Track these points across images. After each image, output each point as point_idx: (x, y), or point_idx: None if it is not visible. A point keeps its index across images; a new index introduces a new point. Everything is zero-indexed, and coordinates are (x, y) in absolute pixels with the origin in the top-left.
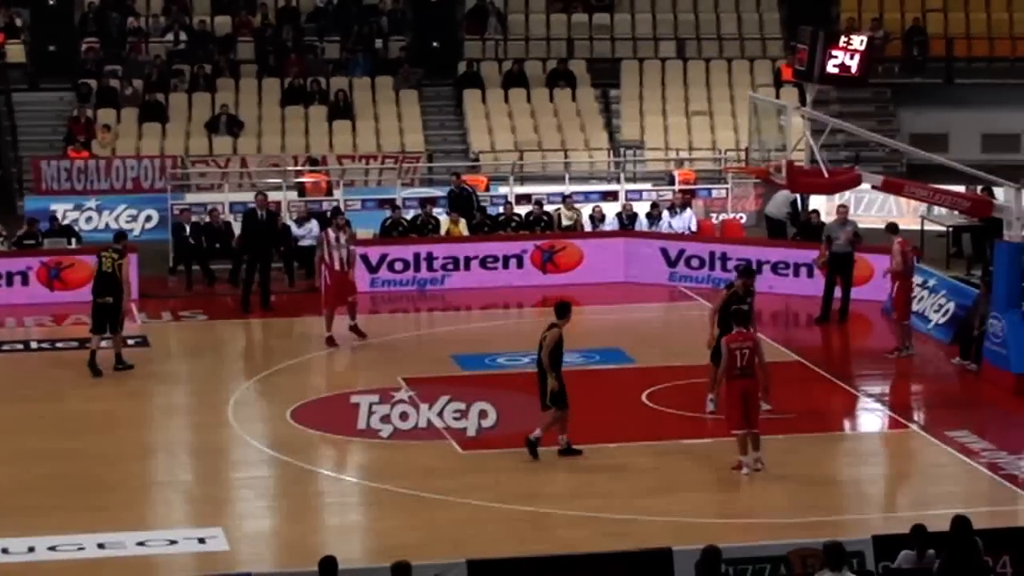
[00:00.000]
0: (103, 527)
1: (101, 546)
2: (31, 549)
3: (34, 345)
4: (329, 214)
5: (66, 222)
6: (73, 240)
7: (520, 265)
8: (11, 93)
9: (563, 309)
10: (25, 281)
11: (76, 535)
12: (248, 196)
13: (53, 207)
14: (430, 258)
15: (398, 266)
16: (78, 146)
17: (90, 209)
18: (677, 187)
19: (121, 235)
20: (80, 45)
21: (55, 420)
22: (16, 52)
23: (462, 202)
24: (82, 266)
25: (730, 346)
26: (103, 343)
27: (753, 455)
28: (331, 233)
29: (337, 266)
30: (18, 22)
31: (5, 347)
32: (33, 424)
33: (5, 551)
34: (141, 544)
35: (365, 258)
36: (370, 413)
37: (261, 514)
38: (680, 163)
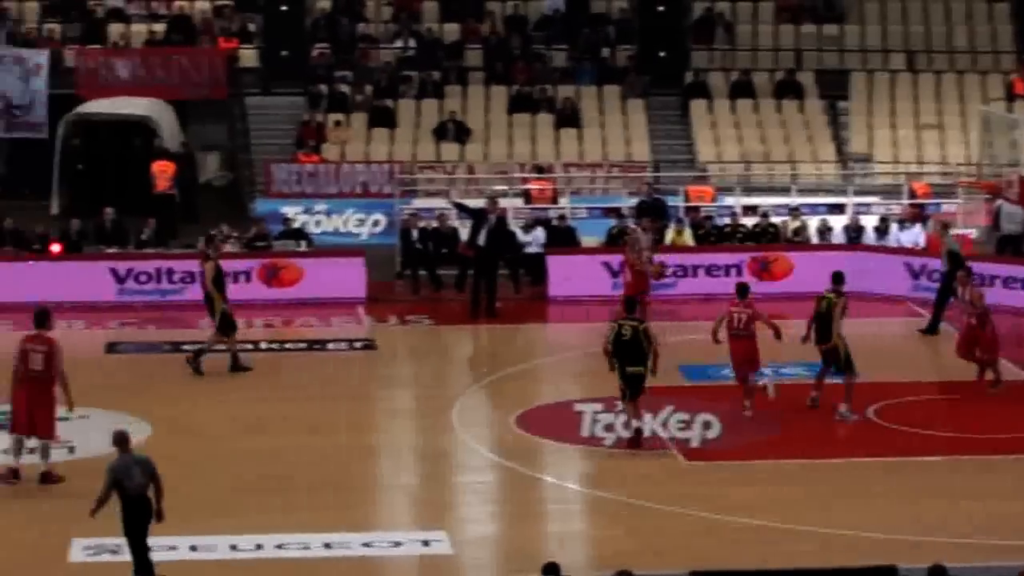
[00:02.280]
0: (330, 527)
1: (327, 545)
2: (259, 547)
3: (263, 346)
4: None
5: (296, 225)
6: (303, 243)
7: (739, 273)
8: (244, 97)
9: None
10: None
11: (303, 534)
12: (474, 202)
13: (284, 210)
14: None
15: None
16: (308, 150)
17: (319, 213)
18: (908, 200)
19: (211, 238)
20: (311, 51)
21: (287, 420)
22: (249, 57)
23: (653, 211)
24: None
25: None
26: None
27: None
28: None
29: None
30: (251, 28)
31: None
32: (269, 423)
33: (234, 547)
34: (366, 545)
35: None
36: (594, 421)
37: (484, 519)
38: (910, 177)
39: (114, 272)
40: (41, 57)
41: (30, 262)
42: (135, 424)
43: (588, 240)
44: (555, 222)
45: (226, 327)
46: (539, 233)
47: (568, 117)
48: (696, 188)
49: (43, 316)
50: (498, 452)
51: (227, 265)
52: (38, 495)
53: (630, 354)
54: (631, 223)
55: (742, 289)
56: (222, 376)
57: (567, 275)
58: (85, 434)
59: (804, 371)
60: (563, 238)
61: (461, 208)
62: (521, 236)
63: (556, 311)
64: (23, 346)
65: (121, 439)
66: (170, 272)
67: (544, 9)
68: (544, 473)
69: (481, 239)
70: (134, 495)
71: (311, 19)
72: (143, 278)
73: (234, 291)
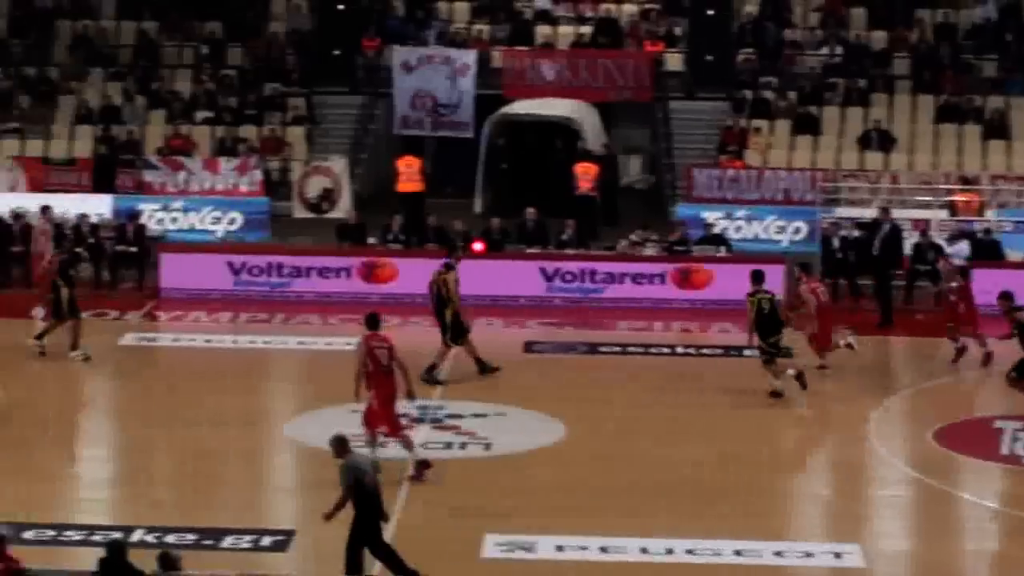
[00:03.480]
0: (740, 534)
1: (738, 553)
2: (670, 551)
3: (680, 350)
4: None
5: (717, 230)
6: (723, 248)
7: None
8: (668, 101)
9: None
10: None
11: (713, 540)
12: (901, 213)
13: (704, 215)
14: None
15: None
16: (731, 156)
17: (740, 219)
18: None
19: (453, 248)
20: (736, 56)
21: (700, 426)
22: (675, 61)
23: None
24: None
25: None
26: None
27: None
28: None
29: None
30: (677, 32)
31: (652, 350)
32: (683, 429)
33: (644, 551)
34: (777, 554)
35: None
36: (1014, 439)
37: (899, 534)
38: None
39: (542, 271)
40: (469, 57)
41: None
42: (549, 423)
43: (1013, 254)
44: (980, 235)
45: (458, 334)
46: (963, 246)
47: (997, 128)
48: None
49: (374, 319)
50: (915, 466)
51: (643, 268)
52: (454, 489)
53: None
54: None
55: None
56: (638, 380)
57: (988, 289)
58: (501, 432)
59: None
60: (988, 251)
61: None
62: (945, 248)
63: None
64: (369, 345)
65: (340, 443)
66: (593, 273)
67: (975, 18)
68: (962, 490)
69: (875, 248)
70: (371, 491)
71: (737, 24)
72: (568, 277)
73: (647, 291)
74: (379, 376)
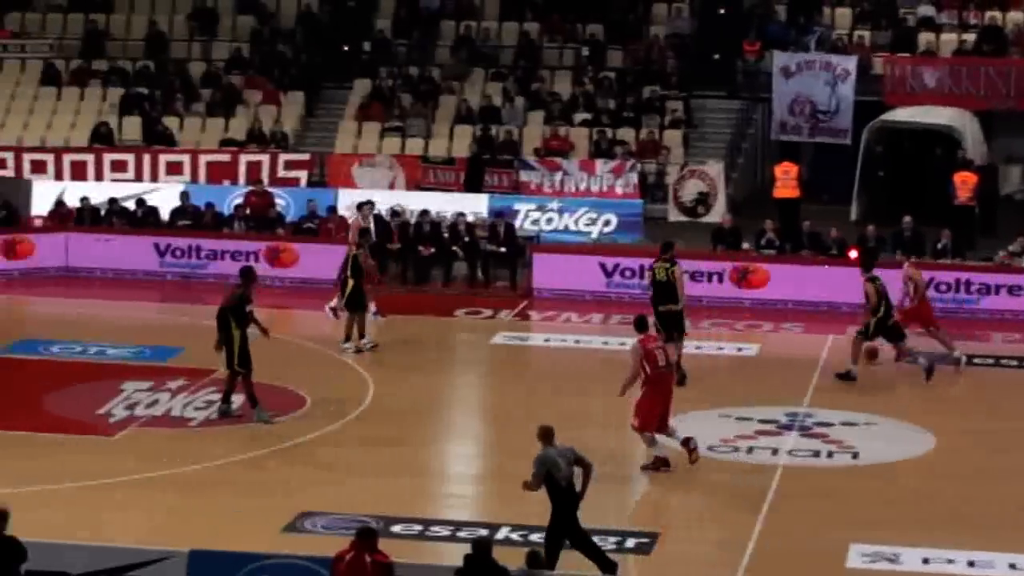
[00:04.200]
0: None
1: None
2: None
3: (1003, 362)
4: None
5: None
6: None
7: None
8: None
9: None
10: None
11: None
12: None
13: None
14: None
15: None
16: None
17: None
18: None
19: (668, 245)
20: None
21: None
22: None
23: None
24: None
25: None
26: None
27: None
28: None
29: None
30: None
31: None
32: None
33: (1013, 567)
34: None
35: None
36: None
37: None
38: None
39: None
40: (850, 63)
41: (824, 266)
42: (919, 434)
43: None
44: None
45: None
46: None
47: None
48: None
49: (642, 321)
50: None
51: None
52: (820, 498)
53: None
54: None
55: None
56: (1012, 393)
57: None
58: (869, 441)
59: None
60: None
61: None
62: None
63: None
64: (646, 347)
65: (546, 433)
66: (968, 283)
67: None
68: None
69: None
70: (564, 485)
71: None
72: (943, 288)
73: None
74: (656, 375)
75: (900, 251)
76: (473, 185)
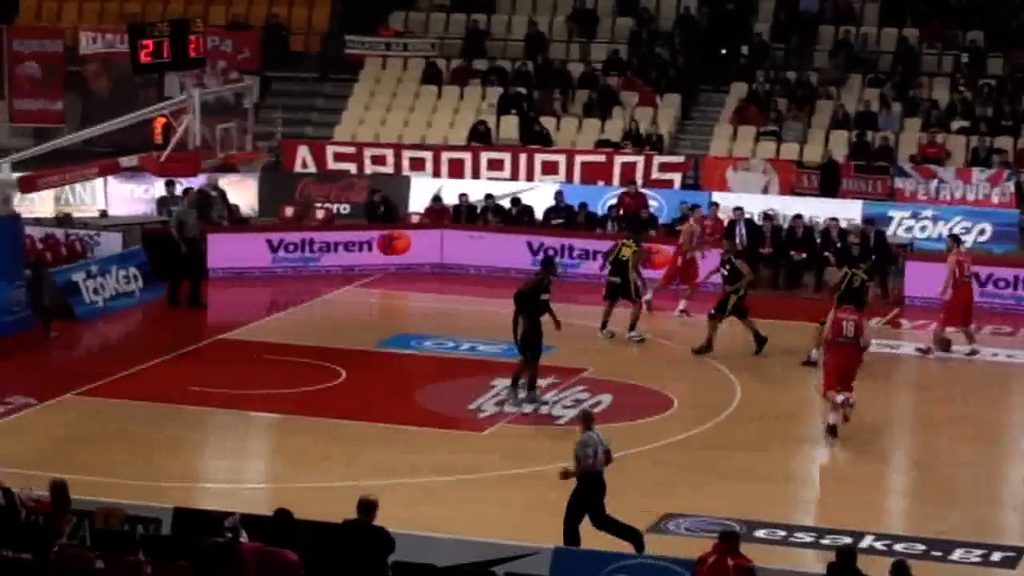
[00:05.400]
0: None
1: None
2: None
3: None
4: None
5: None
6: None
7: None
8: None
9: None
10: None
11: None
12: None
13: None
14: None
15: None
16: None
17: None
18: None
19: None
20: None
21: None
22: None
23: None
24: None
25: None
26: None
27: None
28: None
29: None
30: None
31: None
32: None
33: None
34: None
35: None
36: None
37: None
38: None
39: None
40: None
41: None
42: None
43: None
44: None
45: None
46: None
47: None
48: None
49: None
50: None
51: None
52: None
53: None
54: None
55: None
56: None
57: None
58: None
59: None
60: None
61: None
62: None
63: None
64: (837, 316)
65: (586, 417)
66: None
67: None
68: None
69: None
70: (599, 468)
71: None
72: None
73: None
74: (836, 346)
75: None
76: (829, 190)
